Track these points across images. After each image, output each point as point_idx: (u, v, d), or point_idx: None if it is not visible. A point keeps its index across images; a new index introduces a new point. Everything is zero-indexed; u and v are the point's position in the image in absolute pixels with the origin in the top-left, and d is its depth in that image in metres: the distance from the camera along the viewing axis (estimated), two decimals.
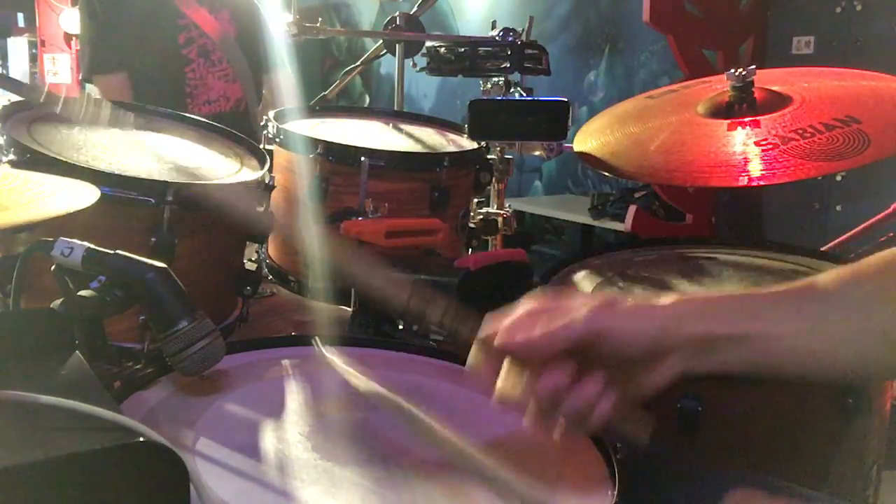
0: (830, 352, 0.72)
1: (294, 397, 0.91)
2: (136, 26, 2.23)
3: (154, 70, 2.26)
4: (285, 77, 2.42)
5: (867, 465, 1.21)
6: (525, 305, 0.74)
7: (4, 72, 8.44)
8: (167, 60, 2.26)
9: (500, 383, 0.74)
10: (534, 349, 0.71)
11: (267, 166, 1.28)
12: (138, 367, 0.92)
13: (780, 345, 0.71)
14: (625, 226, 3.75)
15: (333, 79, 2.31)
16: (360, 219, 1.30)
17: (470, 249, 1.59)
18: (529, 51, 1.83)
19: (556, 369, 0.71)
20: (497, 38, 1.83)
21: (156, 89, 2.24)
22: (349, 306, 1.34)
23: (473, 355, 0.76)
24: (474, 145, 1.54)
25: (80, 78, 2.38)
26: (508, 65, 1.82)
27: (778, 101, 1.40)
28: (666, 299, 0.73)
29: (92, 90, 2.36)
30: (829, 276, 0.75)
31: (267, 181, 1.26)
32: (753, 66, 1.41)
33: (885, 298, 0.71)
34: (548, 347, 0.71)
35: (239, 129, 1.43)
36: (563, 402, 0.71)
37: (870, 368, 0.75)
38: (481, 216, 1.66)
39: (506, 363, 0.74)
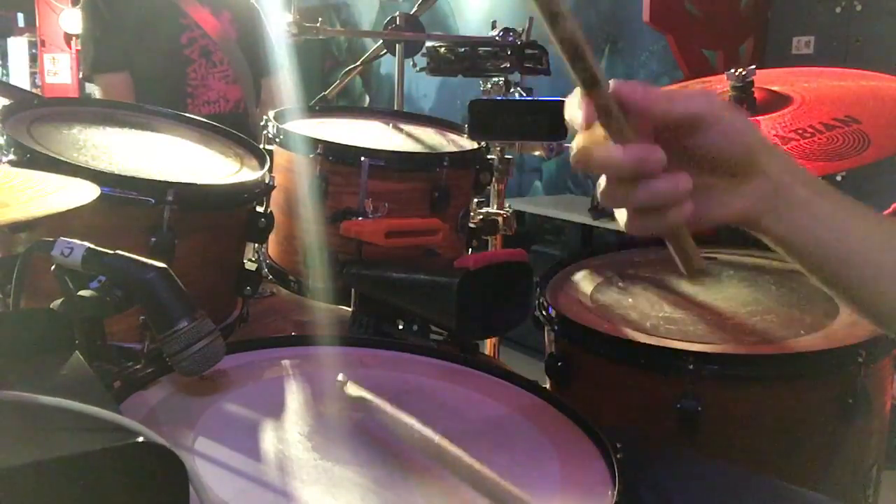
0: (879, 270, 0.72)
1: (294, 397, 0.91)
2: (140, 25, 2.23)
3: (156, 69, 2.26)
4: (283, 81, 2.43)
5: (867, 465, 1.21)
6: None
7: (4, 71, 8.44)
8: (169, 60, 2.26)
9: (583, 138, 0.66)
10: (650, 107, 0.64)
11: (267, 166, 1.28)
12: (138, 367, 0.92)
13: (844, 241, 0.71)
14: None
15: (333, 79, 2.30)
16: (360, 219, 1.30)
17: (470, 249, 1.59)
18: (529, 51, 1.83)
19: (648, 147, 0.64)
20: (497, 38, 1.83)
21: (157, 89, 2.24)
22: (349, 306, 1.34)
23: (572, 100, 0.67)
24: (474, 145, 1.54)
25: (81, 77, 2.39)
26: (508, 65, 1.82)
27: (778, 101, 1.40)
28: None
29: (93, 90, 2.36)
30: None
31: (267, 181, 1.26)
32: (753, 66, 1.41)
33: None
34: (663, 108, 0.65)
35: (238, 130, 1.43)
36: (649, 182, 0.64)
37: None
38: (481, 216, 1.66)
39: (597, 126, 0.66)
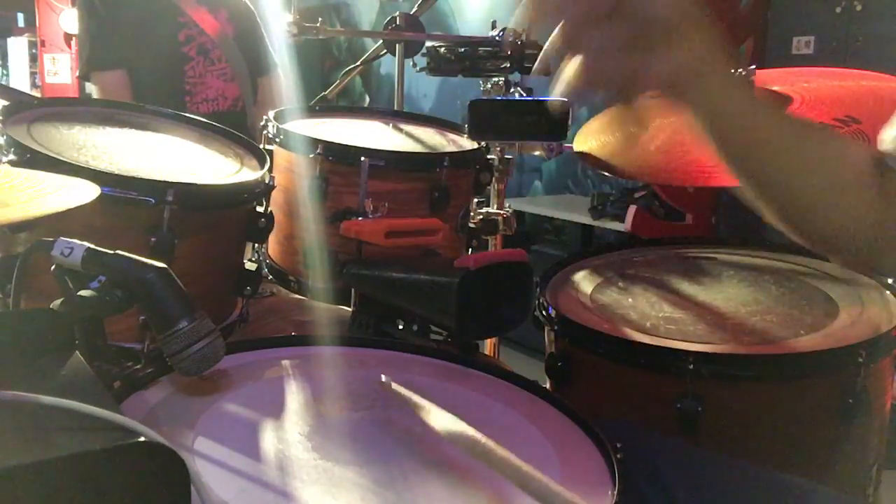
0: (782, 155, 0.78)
1: (294, 397, 0.91)
2: (137, 23, 2.23)
3: (153, 67, 2.26)
4: (281, 80, 2.43)
5: (867, 465, 1.21)
6: None
7: (4, 71, 8.44)
8: (167, 58, 2.26)
9: (549, 40, 0.72)
10: None
11: (267, 166, 1.28)
12: (138, 367, 0.92)
13: (751, 120, 0.77)
14: (625, 226, 3.75)
15: (333, 79, 2.30)
16: (360, 219, 1.30)
17: (470, 249, 1.59)
18: (529, 51, 1.83)
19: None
20: (497, 38, 1.83)
21: (155, 86, 2.24)
22: (349, 306, 1.34)
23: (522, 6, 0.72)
24: (474, 145, 1.54)
25: (78, 75, 2.38)
26: (508, 65, 1.82)
27: (778, 102, 1.40)
28: None
29: (93, 90, 2.36)
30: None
31: (267, 181, 1.26)
32: (753, 66, 1.41)
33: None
34: None
35: (236, 128, 1.43)
36: (615, 56, 0.70)
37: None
38: (481, 216, 1.66)
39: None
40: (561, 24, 0.71)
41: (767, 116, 0.79)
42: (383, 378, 0.90)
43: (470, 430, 0.82)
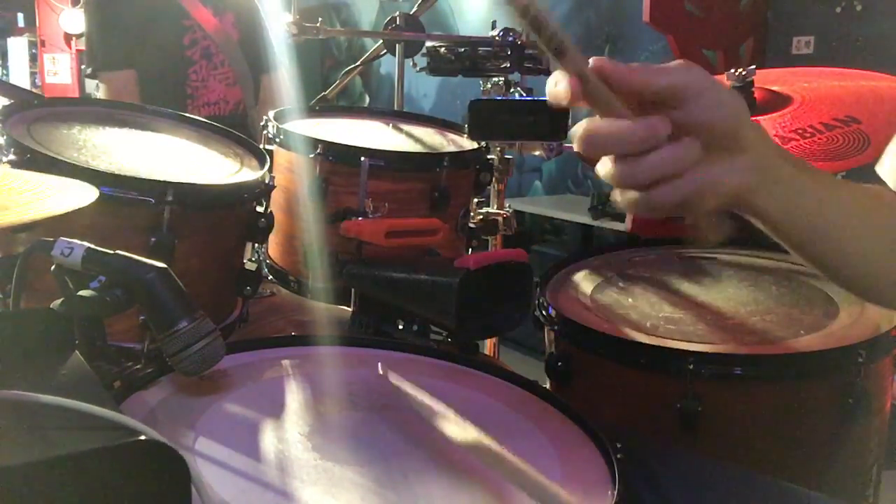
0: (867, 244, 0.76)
1: (294, 397, 0.91)
2: (142, 25, 2.23)
3: (157, 70, 2.26)
4: (282, 78, 2.43)
5: (867, 465, 1.21)
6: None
7: (4, 71, 8.44)
8: (171, 60, 2.26)
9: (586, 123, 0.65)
10: (631, 77, 0.64)
11: (267, 166, 1.28)
12: (138, 367, 0.92)
13: (826, 215, 0.73)
14: (625, 226, 3.75)
15: (333, 79, 2.30)
16: (360, 219, 1.30)
17: (470, 249, 1.59)
18: (529, 51, 1.83)
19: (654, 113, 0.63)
20: (497, 38, 1.83)
21: (158, 89, 2.24)
22: (349, 306, 1.34)
23: (554, 78, 0.65)
24: (474, 145, 1.54)
25: (86, 74, 2.38)
26: (508, 65, 1.82)
27: (778, 101, 1.40)
28: None
29: (93, 90, 2.36)
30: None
31: (267, 181, 1.26)
32: (753, 66, 1.41)
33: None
34: (646, 78, 0.64)
35: (236, 131, 1.43)
36: (654, 154, 0.63)
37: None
38: (481, 216, 1.66)
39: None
40: (610, 158, 0.64)
41: (835, 205, 0.74)
42: (383, 378, 0.90)
43: (470, 430, 0.83)
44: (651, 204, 0.65)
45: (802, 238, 0.74)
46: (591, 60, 0.63)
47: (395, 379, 0.98)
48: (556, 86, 0.64)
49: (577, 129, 0.64)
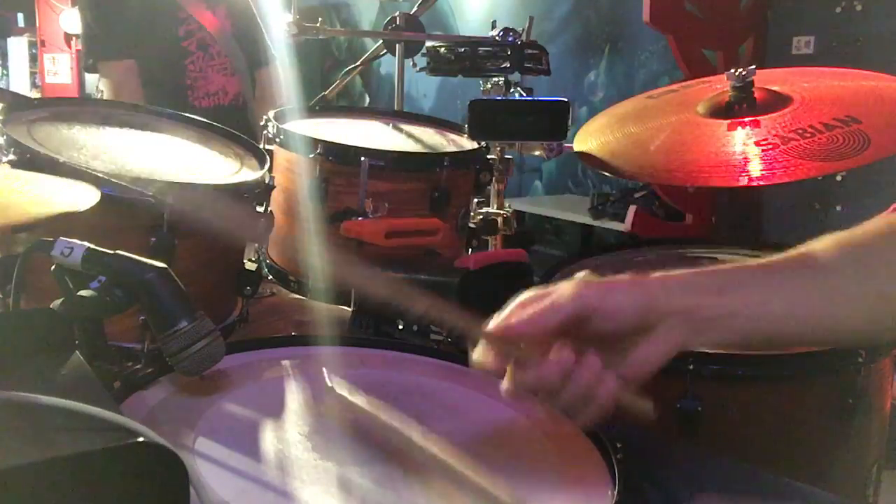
0: (828, 318, 0.73)
1: (294, 397, 0.91)
2: (137, 17, 2.26)
3: (155, 61, 2.28)
4: (279, 72, 2.44)
5: (867, 465, 1.21)
6: (518, 298, 0.75)
7: (4, 71, 8.45)
8: (168, 52, 2.28)
9: (504, 380, 0.75)
10: (526, 330, 0.72)
11: (267, 166, 1.28)
12: (138, 367, 0.92)
13: (772, 314, 0.72)
14: (625, 226, 3.75)
15: (333, 79, 2.31)
16: (360, 219, 1.30)
17: (470, 249, 1.59)
18: (529, 51, 1.83)
19: (555, 353, 0.71)
20: (497, 38, 1.84)
21: (157, 81, 2.26)
22: (349, 306, 1.34)
23: (476, 352, 0.76)
24: (474, 145, 1.54)
25: (86, 67, 2.40)
26: (508, 65, 1.82)
27: (778, 101, 1.40)
28: (654, 274, 0.73)
29: (93, 90, 2.37)
30: (823, 243, 0.76)
31: (267, 181, 1.26)
32: (753, 66, 1.40)
33: (881, 262, 0.72)
34: (540, 326, 0.71)
35: (238, 123, 1.44)
36: (566, 388, 0.71)
37: (870, 332, 0.76)
38: (481, 216, 1.66)
39: (509, 365, 0.75)
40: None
41: (770, 297, 0.74)
42: (383, 378, 0.90)
43: (470, 431, 0.83)
44: (588, 417, 0.74)
45: (783, 334, 0.75)
46: (490, 327, 0.73)
47: (395, 379, 0.97)
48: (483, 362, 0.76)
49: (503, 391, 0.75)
